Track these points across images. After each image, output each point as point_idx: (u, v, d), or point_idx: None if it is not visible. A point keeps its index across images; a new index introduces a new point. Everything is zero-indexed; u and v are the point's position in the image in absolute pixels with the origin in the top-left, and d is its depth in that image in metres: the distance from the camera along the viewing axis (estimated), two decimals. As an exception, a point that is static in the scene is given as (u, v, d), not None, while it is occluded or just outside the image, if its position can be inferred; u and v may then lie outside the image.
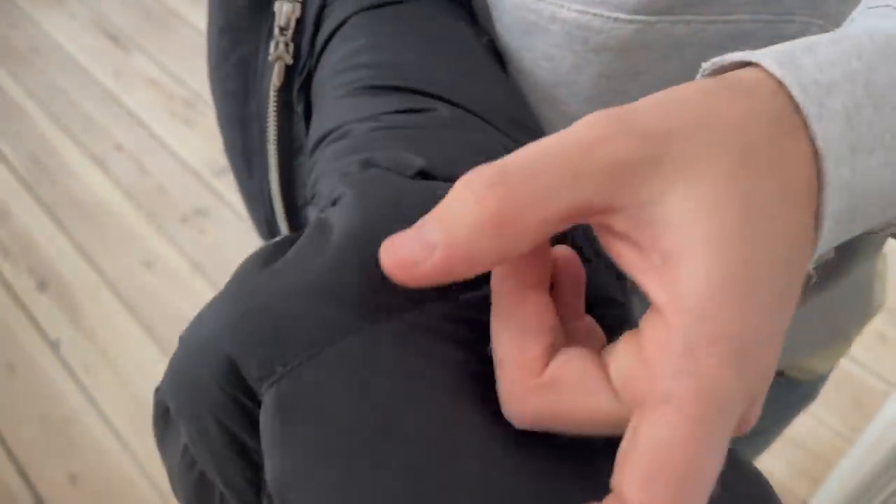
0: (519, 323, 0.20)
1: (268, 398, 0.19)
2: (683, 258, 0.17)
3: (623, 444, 0.18)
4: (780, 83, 0.19)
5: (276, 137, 0.33)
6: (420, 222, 0.19)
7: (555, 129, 0.21)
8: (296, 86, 0.32)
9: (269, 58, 0.32)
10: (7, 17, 2.25)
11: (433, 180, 0.23)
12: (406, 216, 0.20)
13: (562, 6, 0.30)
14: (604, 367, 0.19)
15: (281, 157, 0.33)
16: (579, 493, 0.19)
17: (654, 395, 0.17)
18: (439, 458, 0.19)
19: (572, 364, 0.19)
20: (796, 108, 0.19)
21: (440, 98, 0.26)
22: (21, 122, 1.95)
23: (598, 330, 0.22)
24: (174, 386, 0.21)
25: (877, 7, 0.24)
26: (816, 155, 0.19)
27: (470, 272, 0.18)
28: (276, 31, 0.32)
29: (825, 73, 0.19)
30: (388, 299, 0.20)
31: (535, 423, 0.19)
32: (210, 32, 0.33)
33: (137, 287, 1.60)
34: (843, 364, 1.46)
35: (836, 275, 0.39)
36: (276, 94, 0.32)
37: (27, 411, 1.43)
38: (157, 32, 2.18)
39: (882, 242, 0.42)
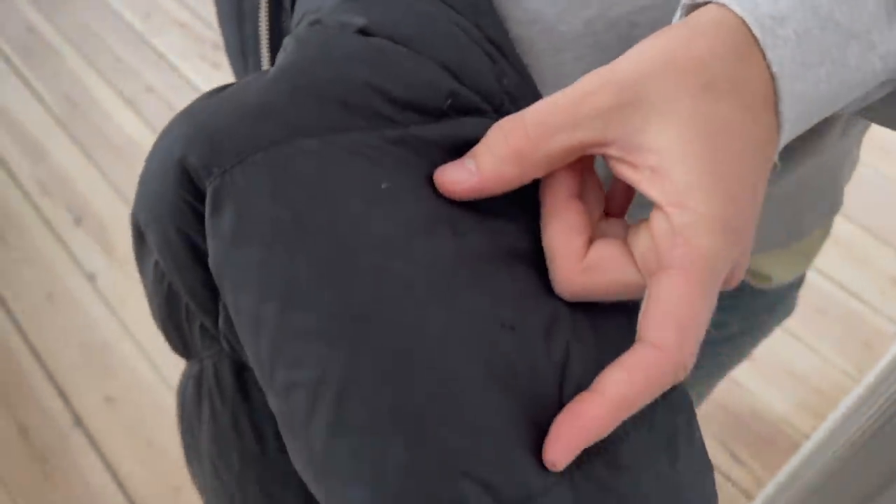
0: (565, 223, 0.26)
1: (207, 196, 0.23)
2: (666, 170, 0.24)
3: (643, 304, 0.24)
4: (740, 20, 0.24)
5: (267, 32, 0.36)
6: (466, 156, 0.26)
7: (515, 24, 0.31)
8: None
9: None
10: (40, -40, 2.29)
11: (371, 37, 0.26)
12: (334, 60, 0.24)
13: None
14: (628, 250, 0.26)
15: (272, 52, 0.36)
16: (469, 288, 0.23)
17: (661, 265, 0.24)
18: (342, 246, 0.23)
19: (606, 250, 0.26)
20: (755, 40, 0.24)
21: None
22: (55, 62, 2.00)
23: (626, 223, 0.28)
24: (141, 200, 0.25)
25: None
26: (773, 76, 0.24)
27: (499, 190, 0.26)
28: (268, -67, 0.34)
29: (778, 4, 0.24)
30: (313, 122, 0.24)
31: (582, 296, 0.26)
32: None
33: (168, 223, 1.66)
34: (855, 306, 1.48)
35: (793, 156, 0.40)
36: (267, 5, 0.35)
37: (66, 338, 1.51)
38: (186, -25, 2.20)
39: (852, 131, 0.44)
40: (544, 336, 0.25)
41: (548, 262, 0.26)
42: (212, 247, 0.24)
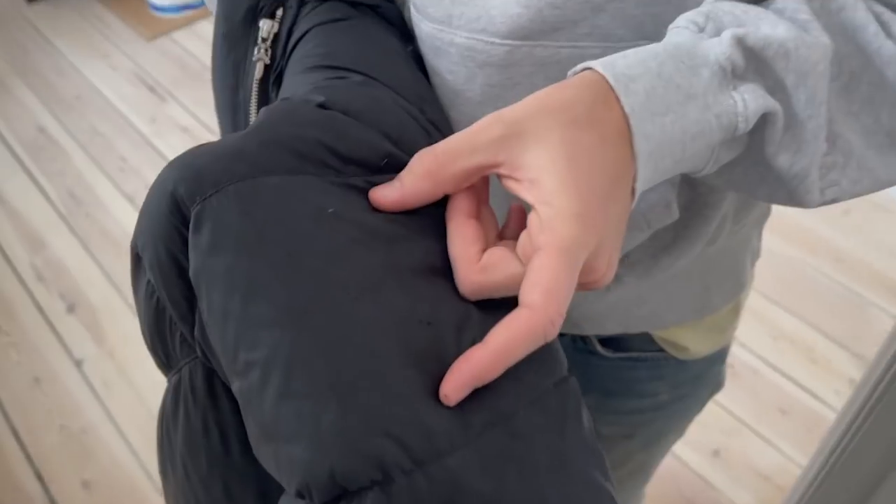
0: (464, 236, 0.34)
1: (191, 219, 0.31)
2: (540, 180, 0.31)
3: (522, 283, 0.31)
4: (601, 76, 0.33)
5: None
6: (393, 179, 0.33)
7: (458, 125, 0.37)
8: (272, 79, 0.44)
9: (254, 59, 0.44)
10: (55, 68, 2.46)
11: (328, 110, 0.35)
12: (294, 122, 0.33)
13: (455, 34, 0.41)
14: (514, 252, 0.33)
15: None
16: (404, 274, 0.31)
17: (534, 250, 0.31)
18: (292, 254, 0.31)
19: (497, 253, 0.33)
20: (611, 89, 0.32)
21: (358, 71, 0.38)
22: (62, 161, 2.12)
23: (513, 243, 0.36)
24: (140, 226, 0.33)
25: (674, 28, 0.36)
26: (626, 117, 0.32)
27: (418, 202, 0.34)
28: (260, 40, 0.44)
29: (631, 68, 0.33)
30: (275, 165, 0.32)
31: (480, 292, 0.33)
32: (215, 37, 0.46)
33: (157, 312, 1.72)
34: (815, 406, 1.53)
35: (687, 237, 0.49)
36: (257, 85, 0.44)
37: (48, 421, 1.53)
38: (192, 84, 2.37)
39: (745, 220, 0.52)
40: (455, 330, 0.31)
41: (452, 267, 0.33)
42: (192, 258, 0.32)
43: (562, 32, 0.39)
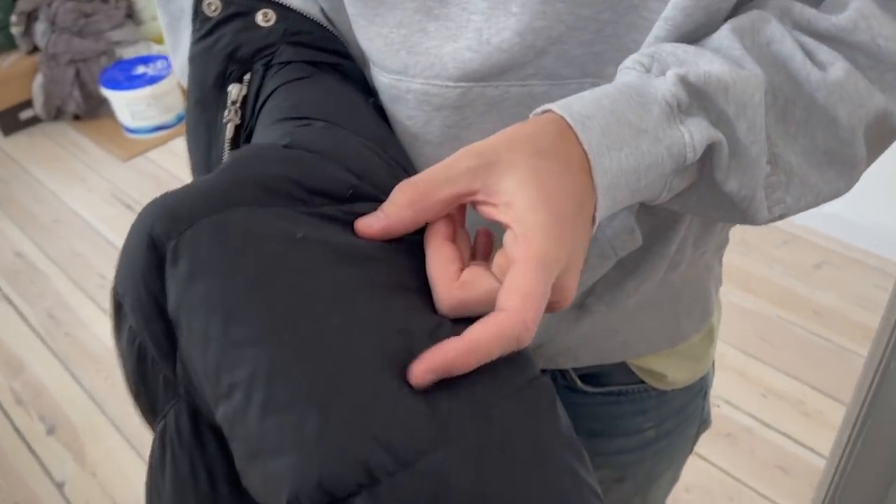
0: (443, 257, 0.35)
1: (168, 254, 0.32)
2: (513, 202, 0.34)
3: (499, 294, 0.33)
4: (560, 115, 0.35)
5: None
6: (377, 210, 0.35)
7: (420, 168, 0.41)
8: (242, 138, 0.47)
9: (224, 120, 0.46)
10: (34, 195, 2.50)
11: (292, 149, 0.38)
12: (261, 160, 0.35)
13: (412, 82, 0.44)
14: (490, 269, 0.35)
15: None
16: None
17: (509, 262, 0.33)
18: (265, 275, 0.32)
19: (474, 270, 0.35)
20: (569, 127, 0.35)
21: (321, 119, 0.41)
22: (41, 284, 2.12)
23: (487, 263, 0.38)
24: (120, 270, 0.34)
25: (623, 69, 0.40)
26: (585, 153, 0.35)
27: (402, 231, 0.35)
28: (230, 103, 0.47)
29: (587, 108, 0.36)
30: (245, 199, 0.34)
31: (459, 308, 0.34)
32: (188, 103, 0.49)
33: (138, 425, 1.68)
34: (814, 460, 1.51)
35: (649, 259, 0.50)
36: (229, 145, 0.47)
37: (29, 549, 1.47)
38: (168, 200, 2.41)
39: (705, 245, 0.54)
40: (429, 338, 0.32)
41: (431, 286, 0.35)
42: (171, 291, 0.33)
43: (511, 73, 0.43)
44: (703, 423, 0.68)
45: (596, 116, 0.35)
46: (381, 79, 0.46)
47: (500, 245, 0.36)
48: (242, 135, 0.47)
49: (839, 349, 1.76)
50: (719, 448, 1.54)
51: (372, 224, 0.35)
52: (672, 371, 0.60)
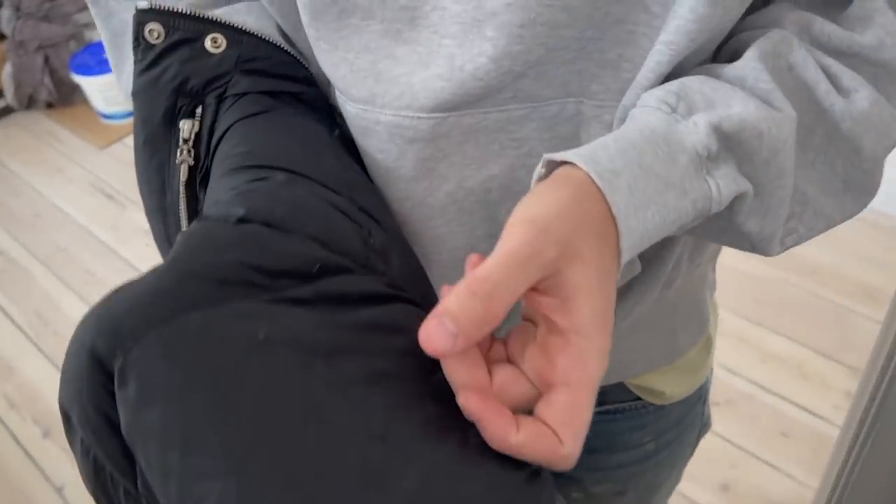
0: (467, 363, 0.31)
1: (115, 375, 0.28)
2: (575, 302, 0.30)
3: (538, 406, 0.30)
4: (585, 172, 0.31)
5: (187, 223, 0.43)
6: (438, 313, 0.29)
7: (394, 203, 0.39)
8: (198, 180, 0.43)
9: (177, 162, 0.42)
10: (9, 187, 2.44)
11: (248, 223, 0.33)
12: (211, 248, 0.32)
13: (381, 113, 0.40)
14: (519, 370, 0.32)
15: None
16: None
17: (559, 380, 0.30)
18: (224, 395, 0.28)
19: (505, 374, 0.32)
20: (597, 187, 0.31)
21: (281, 168, 0.37)
22: (25, 282, 2.08)
23: (503, 345, 0.34)
24: (64, 386, 0.31)
25: (645, 107, 0.35)
26: (613, 217, 0.31)
27: (472, 345, 0.30)
28: (181, 142, 0.43)
29: (614, 162, 0.32)
30: (196, 300, 0.30)
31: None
32: (136, 144, 0.44)
33: (137, 423, 1.67)
34: (815, 424, 1.51)
35: (644, 281, 0.47)
36: (184, 188, 0.43)
37: (33, 556, 1.46)
38: (150, 187, 2.36)
39: (700, 258, 0.51)
40: (420, 440, 0.29)
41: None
42: (122, 415, 0.29)
43: (487, 100, 0.39)
44: (704, 426, 0.66)
45: (623, 173, 0.32)
46: (348, 108, 0.42)
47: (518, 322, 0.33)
48: (198, 175, 0.43)
49: (838, 308, 1.74)
50: (720, 416, 1.53)
51: (443, 347, 0.29)
52: (670, 387, 0.57)
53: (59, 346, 1.88)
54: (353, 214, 0.37)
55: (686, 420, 0.62)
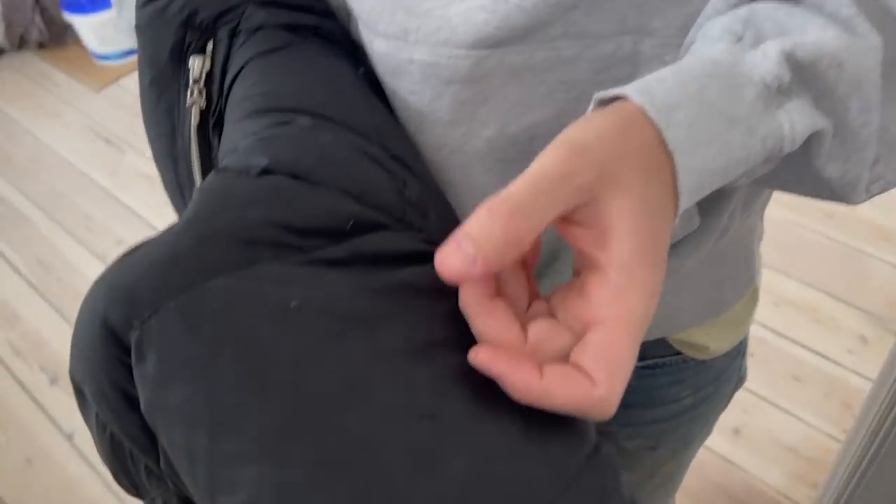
0: (496, 324, 0.28)
1: (132, 348, 0.25)
2: (615, 236, 0.27)
3: (573, 351, 0.27)
4: (639, 106, 0.28)
5: (199, 170, 0.40)
6: (456, 237, 0.26)
7: (427, 150, 0.34)
8: (210, 124, 0.39)
9: (187, 104, 0.39)
10: (8, 134, 2.38)
11: (272, 175, 0.30)
12: (233, 205, 0.28)
13: (414, 50, 0.36)
14: (557, 322, 0.29)
15: None
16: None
17: (596, 318, 0.27)
18: (255, 371, 0.25)
19: (540, 328, 0.28)
20: (649, 118, 0.28)
21: (305, 112, 0.33)
22: (26, 228, 2.05)
23: (543, 300, 0.31)
24: (75, 359, 0.28)
25: (707, 37, 0.32)
26: (669, 154, 0.28)
27: (497, 271, 0.27)
28: (191, 82, 0.39)
29: (671, 95, 0.28)
30: (219, 264, 0.26)
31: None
32: (141, 84, 0.41)
33: (144, 370, 1.66)
34: (829, 368, 1.50)
35: (697, 234, 0.44)
36: (195, 133, 0.39)
37: (47, 501, 1.47)
38: (149, 131, 2.30)
39: (752, 207, 0.48)
40: (471, 417, 0.26)
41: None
42: (141, 393, 0.26)
43: (533, 35, 0.35)
44: (740, 380, 0.64)
45: (681, 107, 0.28)
46: (376, 45, 0.38)
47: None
48: (210, 119, 0.40)
49: (852, 251, 1.71)
50: (732, 360, 1.52)
51: (461, 271, 0.26)
52: (714, 341, 0.55)
53: (64, 292, 1.86)
54: (385, 163, 0.33)
55: (725, 374, 0.60)
